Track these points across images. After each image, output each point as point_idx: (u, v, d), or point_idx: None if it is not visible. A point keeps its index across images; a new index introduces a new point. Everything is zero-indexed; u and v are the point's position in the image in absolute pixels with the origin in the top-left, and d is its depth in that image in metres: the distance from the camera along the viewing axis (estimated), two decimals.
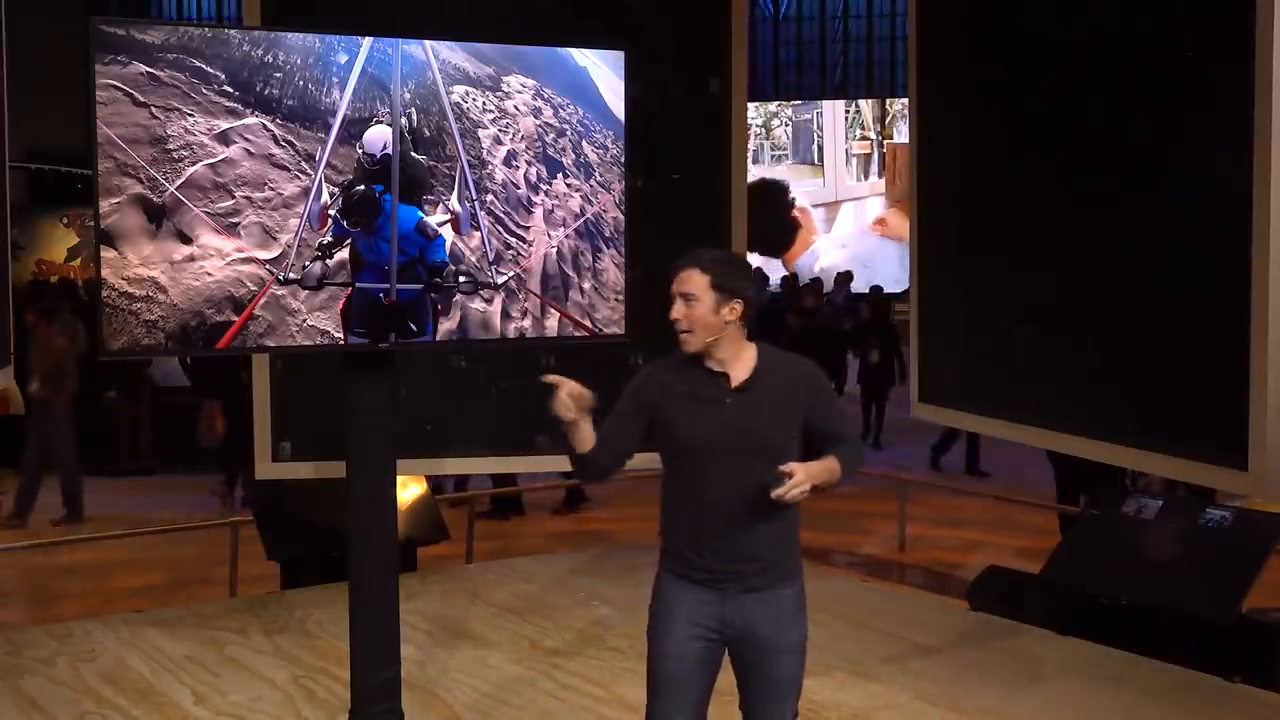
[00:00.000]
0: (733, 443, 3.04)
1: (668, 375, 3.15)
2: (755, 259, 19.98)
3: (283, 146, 3.72)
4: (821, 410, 3.17)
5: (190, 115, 3.60)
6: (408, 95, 3.88)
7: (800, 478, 2.92)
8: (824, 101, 24.52)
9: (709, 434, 3.04)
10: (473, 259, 4.01)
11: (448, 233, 3.97)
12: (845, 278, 18.65)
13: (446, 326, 4.00)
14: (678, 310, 3.06)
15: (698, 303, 3.04)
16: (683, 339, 3.08)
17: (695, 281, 3.05)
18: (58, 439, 9.37)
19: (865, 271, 19.88)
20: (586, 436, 3.09)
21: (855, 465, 3.17)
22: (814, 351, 11.92)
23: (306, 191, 3.76)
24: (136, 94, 3.53)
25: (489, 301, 4.05)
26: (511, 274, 4.07)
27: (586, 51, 4.17)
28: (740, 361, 3.11)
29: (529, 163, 4.08)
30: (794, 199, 24.06)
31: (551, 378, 3.03)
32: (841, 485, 3.16)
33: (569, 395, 3.02)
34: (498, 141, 4.04)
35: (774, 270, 20.88)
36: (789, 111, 24.71)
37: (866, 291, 16.83)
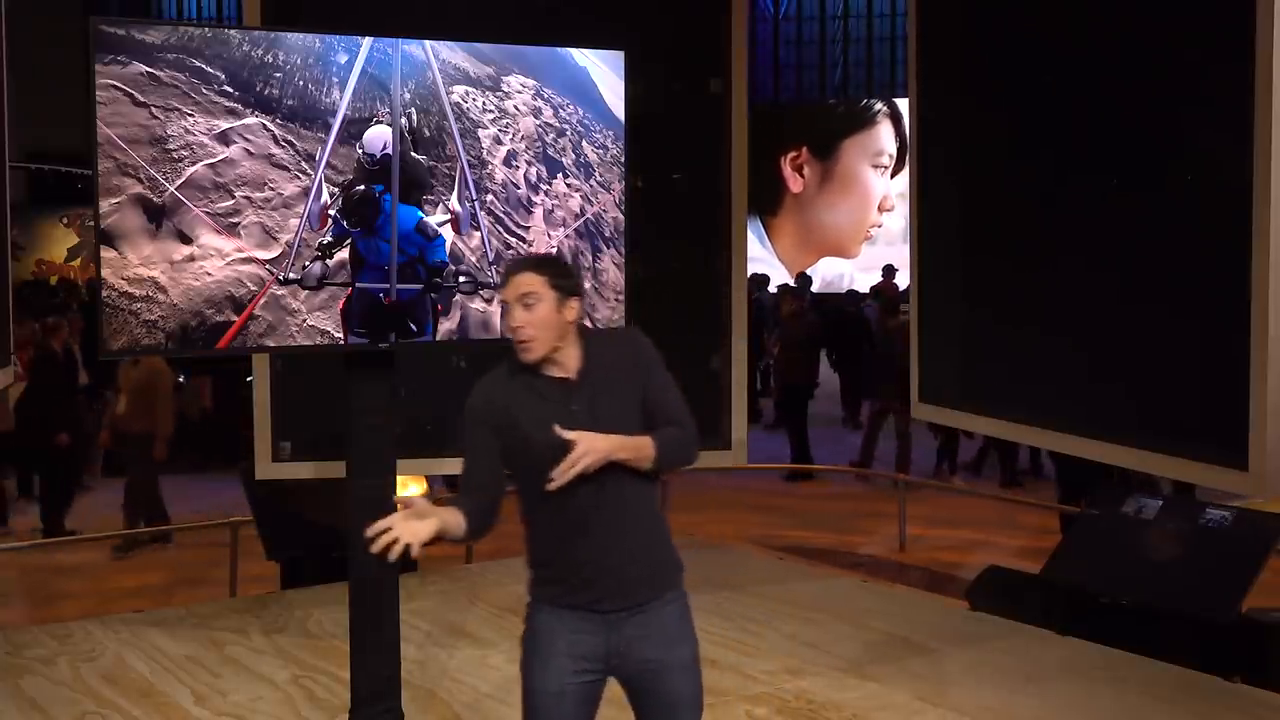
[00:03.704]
0: None
1: (503, 393, 2.89)
2: (761, 266, 20.01)
3: (283, 146, 3.72)
4: (655, 385, 2.92)
5: (190, 115, 3.60)
6: (408, 95, 3.88)
7: (582, 448, 2.69)
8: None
9: (562, 446, 2.74)
10: (473, 259, 4.01)
11: (448, 233, 3.97)
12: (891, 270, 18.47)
13: (446, 326, 4.00)
14: (519, 317, 2.82)
15: (540, 304, 2.82)
16: (525, 347, 2.83)
17: (533, 283, 2.84)
18: None
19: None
20: (452, 522, 2.76)
21: (680, 452, 2.89)
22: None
23: (306, 191, 3.76)
24: (136, 94, 3.53)
25: (489, 301, 4.05)
26: None
27: (586, 51, 4.17)
28: (577, 361, 2.90)
29: (529, 163, 4.09)
30: None
31: (381, 527, 2.66)
32: (666, 470, 2.88)
33: (406, 519, 2.67)
34: (498, 141, 4.04)
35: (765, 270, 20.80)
36: None
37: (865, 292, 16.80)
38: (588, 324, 3.14)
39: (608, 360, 2.91)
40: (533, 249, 4.08)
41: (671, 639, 2.92)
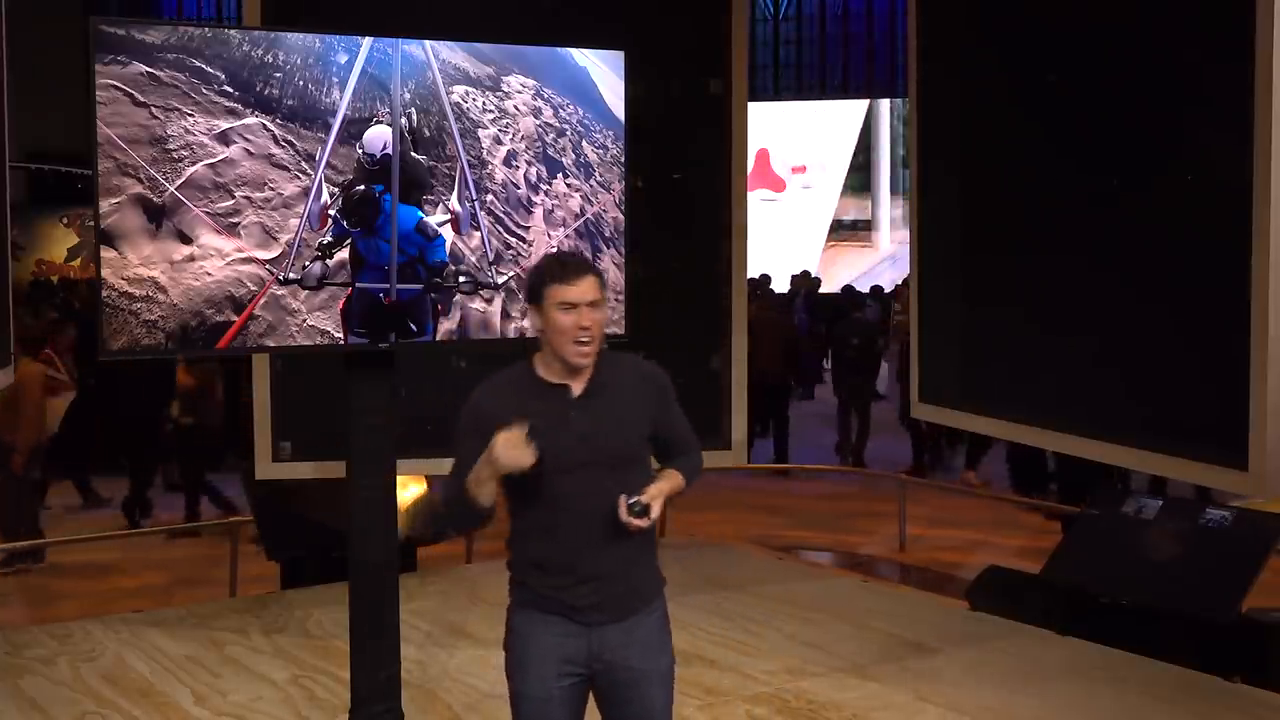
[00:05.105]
0: (584, 459, 2.80)
1: (503, 400, 2.85)
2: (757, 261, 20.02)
3: (283, 146, 3.72)
4: (666, 414, 2.98)
5: (190, 115, 3.60)
6: (408, 95, 3.88)
7: (656, 509, 2.78)
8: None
9: (559, 452, 2.75)
10: (473, 259, 4.01)
11: (448, 233, 3.97)
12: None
13: (446, 326, 4.00)
14: (590, 318, 2.79)
15: (600, 309, 2.82)
16: (585, 352, 2.81)
17: (598, 289, 2.82)
18: None
19: None
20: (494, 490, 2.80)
21: (697, 475, 3.03)
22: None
23: (306, 191, 3.75)
24: (136, 94, 3.53)
25: (489, 301, 4.05)
26: (511, 274, 4.07)
27: (586, 51, 4.17)
28: (589, 370, 2.88)
29: (529, 163, 4.08)
30: None
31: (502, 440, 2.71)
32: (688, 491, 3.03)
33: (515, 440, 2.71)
34: (498, 141, 4.04)
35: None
36: None
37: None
38: None
39: (619, 378, 2.92)
40: (533, 249, 4.08)
41: (654, 649, 2.94)
